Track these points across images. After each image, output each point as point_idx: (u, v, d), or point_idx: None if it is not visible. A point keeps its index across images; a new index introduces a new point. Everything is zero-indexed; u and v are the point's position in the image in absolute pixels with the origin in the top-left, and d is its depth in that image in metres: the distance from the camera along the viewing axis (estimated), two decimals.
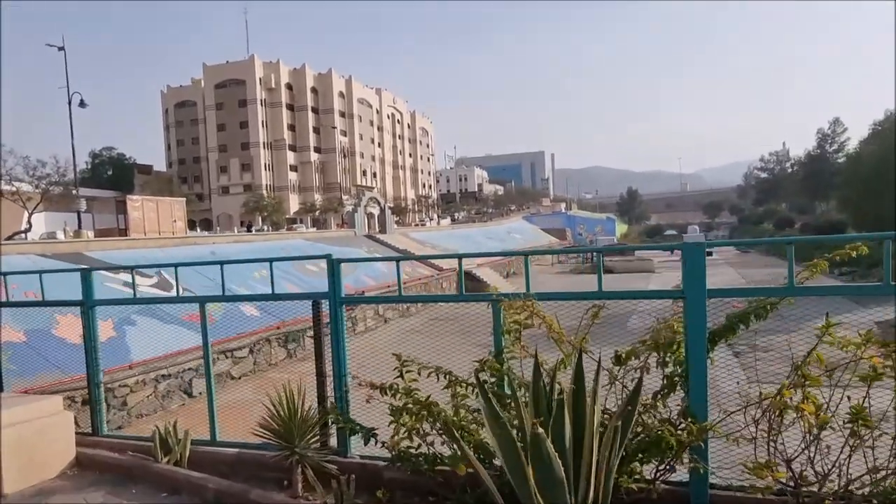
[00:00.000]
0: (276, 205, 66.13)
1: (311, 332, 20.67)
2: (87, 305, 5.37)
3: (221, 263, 5.83)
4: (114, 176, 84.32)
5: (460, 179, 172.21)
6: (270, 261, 5.54)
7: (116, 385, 16.92)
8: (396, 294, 4.45)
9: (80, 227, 29.59)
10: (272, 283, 5.31)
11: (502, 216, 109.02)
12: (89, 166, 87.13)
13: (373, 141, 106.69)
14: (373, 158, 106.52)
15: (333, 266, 4.41)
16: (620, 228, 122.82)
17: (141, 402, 17.72)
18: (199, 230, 66.53)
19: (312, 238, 41.25)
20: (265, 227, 64.12)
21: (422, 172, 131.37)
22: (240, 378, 21.00)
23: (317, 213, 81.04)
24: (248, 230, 57.61)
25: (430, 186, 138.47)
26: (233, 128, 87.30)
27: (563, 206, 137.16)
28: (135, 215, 28.31)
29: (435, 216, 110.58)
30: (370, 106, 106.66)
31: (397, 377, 3.39)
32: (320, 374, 4.31)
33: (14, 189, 29.28)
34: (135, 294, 5.62)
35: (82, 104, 29.92)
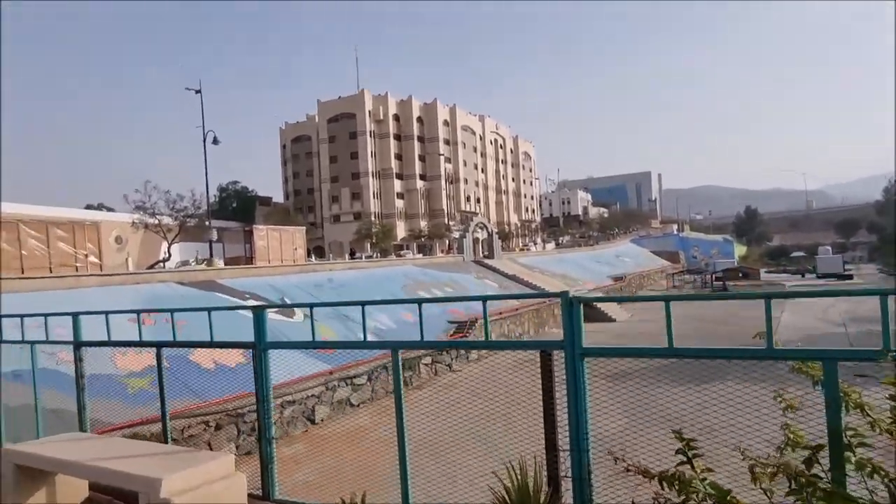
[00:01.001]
0: (387, 231, 67.83)
1: (426, 360, 20.17)
2: (260, 348, 4.66)
3: (363, 304, 5.39)
4: (238, 208, 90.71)
5: (563, 203, 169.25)
6: (419, 301, 5.04)
7: (246, 410, 17.45)
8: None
9: (211, 255, 31.57)
10: (421, 321, 4.77)
11: (608, 239, 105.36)
12: (217, 199, 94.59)
13: (476, 167, 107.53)
14: (476, 184, 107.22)
15: (572, 305, 3.56)
16: (739, 250, 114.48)
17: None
18: (313, 257, 69.72)
19: (422, 264, 41.56)
20: (374, 254, 65.91)
21: (525, 196, 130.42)
22: (359, 405, 21.05)
23: (422, 239, 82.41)
24: (352, 257, 59.38)
25: (534, 210, 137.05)
26: (344, 159, 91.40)
27: (674, 227, 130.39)
28: (260, 244, 29.80)
29: (539, 240, 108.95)
30: (473, 132, 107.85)
31: (681, 463, 2.44)
32: (552, 446, 3.34)
33: (157, 222, 31.92)
34: (314, 337, 5.17)
35: (215, 141, 32.23)
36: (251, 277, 27.65)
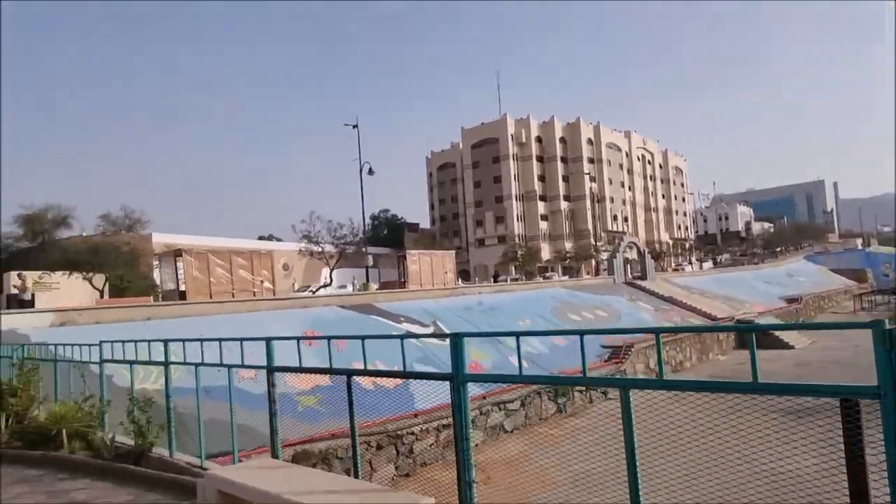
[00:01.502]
0: (533, 254, 67.27)
1: (579, 386, 18.93)
2: (458, 380, 4.08)
3: (517, 335, 4.97)
4: (388, 234, 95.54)
5: (720, 219, 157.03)
6: (581, 333, 4.56)
7: (405, 432, 17.81)
8: None
9: (367, 280, 33.26)
10: (583, 354, 4.26)
11: (775, 257, 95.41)
12: (370, 227, 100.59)
13: (623, 184, 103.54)
14: (623, 202, 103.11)
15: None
16: None
17: (424, 450, 18.36)
18: (459, 281, 71.13)
19: (570, 286, 40.42)
20: (519, 277, 65.52)
21: (676, 213, 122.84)
22: (512, 431, 20.67)
23: (567, 260, 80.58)
24: (495, 280, 59.34)
25: (686, 228, 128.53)
26: (487, 183, 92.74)
27: (857, 241, 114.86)
28: (412, 268, 30.86)
29: (693, 259, 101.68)
30: (619, 149, 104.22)
31: None
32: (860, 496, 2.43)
33: (321, 249, 34.45)
34: (521, 372, 4.71)
35: (370, 172, 34.24)
36: (405, 301, 28.62)
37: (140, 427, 5.81)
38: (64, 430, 6.54)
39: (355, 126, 35.18)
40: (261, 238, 75.50)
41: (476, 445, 20.71)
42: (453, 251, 39.65)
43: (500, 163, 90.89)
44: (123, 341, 7.03)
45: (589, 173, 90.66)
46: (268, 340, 5.11)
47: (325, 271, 58.43)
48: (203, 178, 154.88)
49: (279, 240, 68.64)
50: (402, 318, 26.70)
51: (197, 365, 5.79)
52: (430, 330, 26.12)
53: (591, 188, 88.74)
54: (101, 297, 31.48)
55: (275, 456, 4.82)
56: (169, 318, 20.23)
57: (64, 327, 18.11)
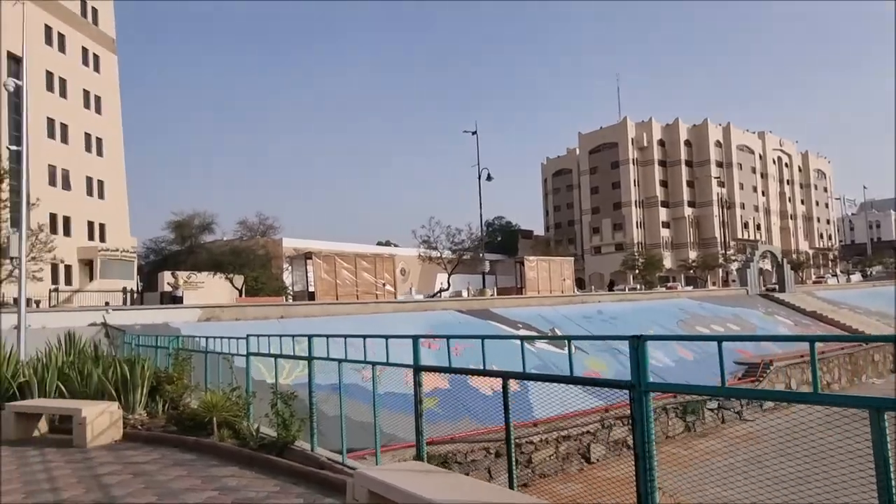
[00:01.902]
0: (654, 262, 63.97)
1: (711, 405, 17.37)
2: (640, 389, 3.40)
3: (718, 339, 4.42)
4: (502, 241, 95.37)
5: (871, 227, 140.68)
6: (720, 339, 3.92)
7: (524, 441, 17.40)
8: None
9: (484, 286, 33.20)
10: (721, 364, 3.66)
11: None
12: (483, 233, 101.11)
13: (755, 189, 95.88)
14: (756, 208, 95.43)
15: None
16: None
17: (543, 461, 17.82)
18: (574, 289, 69.24)
19: (699, 297, 37.83)
20: (638, 286, 62.55)
21: (818, 221, 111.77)
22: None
23: (692, 270, 75.85)
24: (610, 289, 56.94)
25: (830, 237, 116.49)
26: (605, 189, 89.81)
27: None
28: (530, 275, 30.39)
29: (838, 271, 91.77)
30: (752, 152, 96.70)
31: None
32: None
33: (440, 254, 34.95)
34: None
35: (489, 178, 34.27)
36: (522, 307, 28.21)
37: (284, 420, 5.95)
38: (214, 419, 6.90)
39: (474, 132, 35.39)
40: (379, 244, 78.31)
41: (598, 460, 19.77)
42: (572, 258, 38.62)
43: (620, 168, 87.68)
44: (269, 335, 7.32)
45: (718, 177, 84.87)
46: (415, 339, 5.01)
47: (441, 276, 59.36)
48: (325, 184, 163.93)
49: (395, 245, 70.74)
50: (519, 325, 26.31)
51: (340, 361, 5.84)
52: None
53: (718, 193, 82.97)
54: (240, 295, 34.08)
55: (419, 458, 4.68)
56: (300, 318, 21.33)
57: (209, 322, 19.66)
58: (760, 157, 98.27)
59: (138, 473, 5.74)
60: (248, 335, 7.60)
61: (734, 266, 74.51)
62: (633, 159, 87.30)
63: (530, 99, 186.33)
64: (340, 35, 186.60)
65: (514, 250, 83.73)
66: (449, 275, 33.85)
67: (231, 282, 36.74)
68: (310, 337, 6.08)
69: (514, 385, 19.16)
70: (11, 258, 14.66)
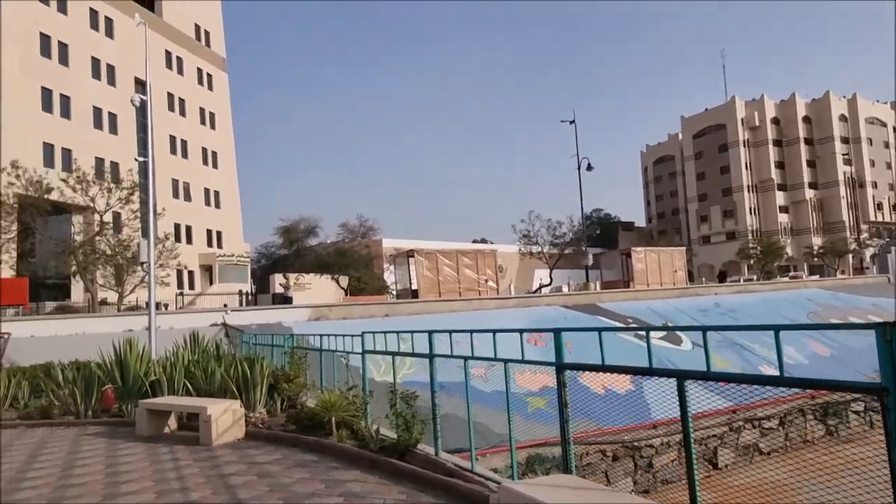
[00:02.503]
0: (774, 250, 59.07)
1: (857, 406, 15.38)
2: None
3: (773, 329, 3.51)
4: (601, 234, 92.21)
5: None
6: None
7: (643, 444, 16.34)
8: None
9: (587, 280, 31.93)
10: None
11: None
12: (570, 229, 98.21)
13: (889, 166, 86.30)
14: (891, 187, 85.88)
15: None
16: None
17: (665, 465, 16.66)
18: (686, 281, 65.34)
19: (830, 286, 34.31)
20: (755, 276, 58.02)
21: None
22: (769, 453, 17.88)
23: (816, 258, 69.43)
24: (721, 280, 53.07)
25: None
26: (712, 175, 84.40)
27: None
28: (638, 266, 28.84)
29: None
30: (883, 125, 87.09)
31: None
32: None
33: (540, 249, 34.15)
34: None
35: (589, 168, 32.94)
36: (630, 301, 26.81)
37: (406, 421, 5.63)
38: (333, 418, 6.74)
39: (572, 122, 34.18)
40: (474, 241, 78.19)
41: (726, 466, 18.23)
42: (683, 248, 36.22)
43: (729, 151, 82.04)
44: (384, 332, 7.07)
45: (845, 154, 77.14)
46: (556, 332, 4.48)
47: (539, 272, 58.16)
48: (420, 184, 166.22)
49: (490, 242, 70.23)
50: (629, 319, 24.97)
51: (466, 359, 5.42)
52: (662, 333, 23.99)
53: (846, 172, 75.40)
54: (346, 295, 35.06)
55: (567, 470, 4.14)
56: (404, 315, 21.41)
57: (318, 321, 20.17)
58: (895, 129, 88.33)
59: (262, 475, 5.63)
60: (363, 332, 7.40)
61: (869, 252, 67.44)
62: (744, 141, 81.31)
63: (622, 87, 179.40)
64: (433, 38, 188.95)
65: (613, 243, 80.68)
66: (551, 269, 32.91)
67: (337, 282, 37.90)
68: (430, 333, 5.72)
69: (626, 384, 18.09)
70: (142, 263, 15.66)
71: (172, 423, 8.40)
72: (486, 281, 25.30)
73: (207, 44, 57.29)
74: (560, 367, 4.33)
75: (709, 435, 16.97)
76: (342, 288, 37.96)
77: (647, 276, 28.95)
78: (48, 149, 37.66)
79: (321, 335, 10.30)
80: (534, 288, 35.99)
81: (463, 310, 22.95)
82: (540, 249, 33.80)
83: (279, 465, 6.01)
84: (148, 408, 8.15)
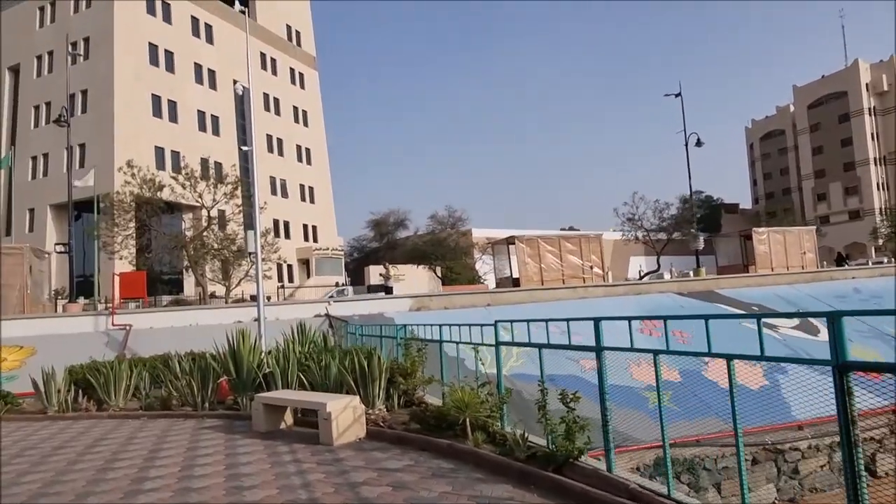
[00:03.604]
0: None
1: None
2: None
3: None
4: (703, 218, 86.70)
5: None
6: None
7: (787, 447, 14.52)
8: None
9: (698, 265, 29.53)
10: None
11: None
12: (681, 210, 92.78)
13: None
14: None
15: None
16: None
17: (813, 472, 14.74)
18: (817, 264, 59.63)
19: None
20: (885, 259, 52.06)
21: None
22: None
23: None
24: (839, 264, 47.77)
25: None
26: (831, 148, 76.96)
27: None
28: (760, 249, 26.21)
29: None
30: None
31: None
32: None
33: (645, 232, 32.00)
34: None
35: (699, 143, 30.37)
36: (752, 287, 24.36)
37: (569, 427, 4.67)
38: (468, 419, 5.92)
39: (678, 95, 31.68)
40: (562, 230, 75.77)
41: (886, 474, 15.81)
42: (813, 227, 32.68)
43: (851, 121, 74.38)
44: (527, 321, 6.14)
45: None
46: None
47: (636, 259, 55.14)
48: (506, 174, 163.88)
49: (577, 230, 67.62)
50: (753, 307, 22.68)
51: (657, 353, 4.38)
52: (794, 322, 21.54)
53: None
54: (443, 284, 34.62)
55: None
56: (506, 305, 20.46)
57: (419, 312, 19.64)
58: None
59: (398, 486, 4.88)
60: (496, 321, 6.51)
61: None
62: (869, 108, 73.41)
63: (720, 61, 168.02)
64: (522, 28, 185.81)
65: (715, 228, 75.57)
66: (658, 255, 30.72)
67: (435, 272, 37.56)
68: (596, 321, 4.71)
69: (758, 378, 15.78)
70: (249, 254, 15.71)
71: (289, 418, 7.94)
72: (592, 267, 23.82)
73: (298, 43, 58.75)
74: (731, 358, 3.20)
75: (866, 438, 14.84)
76: (439, 277, 37.55)
77: (772, 259, 26.22)
78: (159, 152, 39.84)
79: (428, 325, 9.58)
80: (629, 276, 33.93)
81: (568, 298, 21.67)
82: (646, 233, 31.64)
83: (413, 474, 5.25)
84: (264, 402, 7.71)
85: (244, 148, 15.46)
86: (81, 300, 25.24)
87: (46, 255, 20.44)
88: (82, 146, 38.28)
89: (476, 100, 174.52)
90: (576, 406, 4.66)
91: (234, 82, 46.47)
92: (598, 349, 4.61)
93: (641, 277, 30.78)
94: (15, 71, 44.72)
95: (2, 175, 40.22)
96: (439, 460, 5.66)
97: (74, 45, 36.83)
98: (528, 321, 6.48)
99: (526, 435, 5.38)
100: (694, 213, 35.06)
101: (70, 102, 25.35)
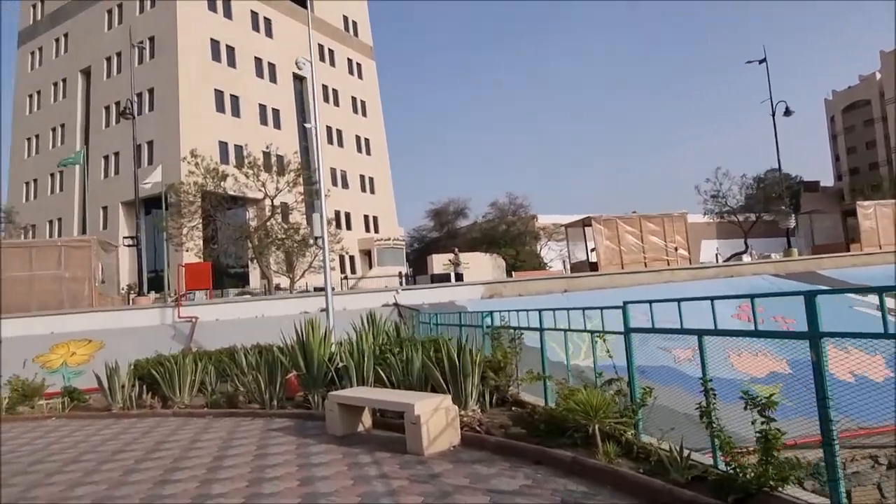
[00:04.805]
0: None
1: None
2: None
3: None
4: (779, 197, 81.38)
5: None
6: None
7: None
8: None
9: (789, 245, 26.98)
10: None
11: None
12: (755, 188, 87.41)
13: None
14: None
15: None
16: None
17: None
18: None
19: None
20: None
21: None
22: None
23: None
24: None
25: None
26: None
27: None
28: (866, 225, 23.54)
29: None
30: None
31: None
32: None
33: (731, 210, 29.60)
34: None
35: (787, 112, 27.70)
36: (860, 267, 21.88)
37: (768, 443, 3.39)
38: (597, 427, 4.69)
39: (762, 61, 29.01)
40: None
41: None
42: None
43: None
44: (677, 299, 4.83)
45: None
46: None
47: (706, 242, 51.89)
48: (566, 160, 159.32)
49: (634, 212, 64.45)
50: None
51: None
52: None
53: None
54: (508, 271, 33.31)
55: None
56: (584, 290, 19.01)
57: (492, 299, 18.47)
58: None
59: None
60: (624, 302, 5.23)
61: None
62: None
63: (795, 32, 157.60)
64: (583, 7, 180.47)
65: (795, 207, 70.55)
66: (745, 234, 28.28)
67: (504, 258, 36.34)
68: (809, 295, 3.39)
69: (881, 368, 13.04)
70: (315, 238, 14.96)
71: (367, 419, 6.92)
72: (676, 249, 21.93)
73: (355, 34, 58.33)
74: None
75: None
76: (508, 263, 36.22)
77: (880, 236, 23.51)
78: (223, 146, 40.17)
79: (514, 311, 8.39)
80: (729, 256, 31.49)
81: (651, 282, 19.99)
82: (731, 211, 29.20)
83: (535, 498, 4.07)
84: (339, 401, 6.71)
85: (306, 125, 14.72)
86: (152, 294, 25.43)
87: (114, 248, 20.47)
88: (150, 143, 39.05)
89: (537, 81, 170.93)
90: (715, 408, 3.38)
91: (293, 77, 46.51)
92: (818, 335, 3.30)
93: (727, 259, 28.43)
94: (87, 73, 46.21)
95: (76, 173, 41.64)
96: (564, 479, 4.46)
97: (140, 45, 37.46)
98: (650, 301, 5.21)
99: (685, 451, 4.10)
100: (783, 189, 32.29)
101: (137, 101, 25.56)
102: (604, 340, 5.45)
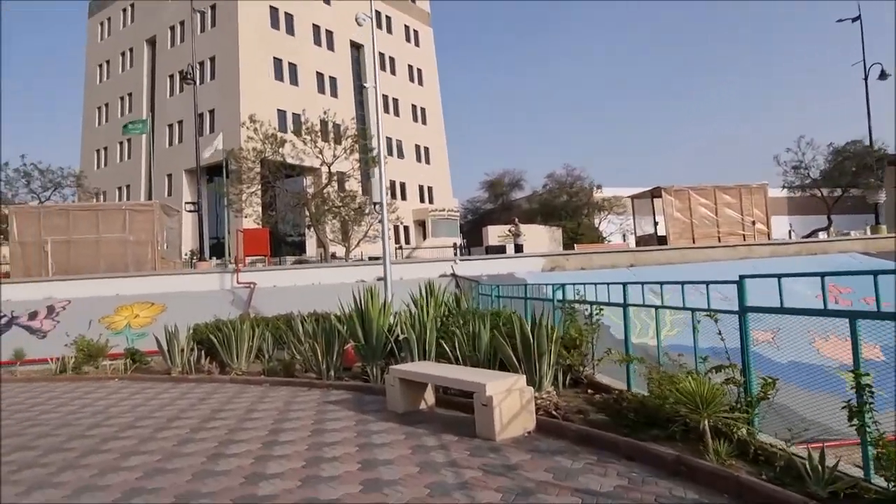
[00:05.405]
0: None
1: None
2: None
3: None
4: (859, 170, 75.95)
5: None
6: None
7: None
8: None
9: (877, 222, 24.90)
10: None
11: None
12: (832, 162, 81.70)
13: None
14: None
15: None
16: None
17: None
18: None
19: None
20: None
21: None
22: None
23: None
24: None
25: None
26: None
27: None
28: None
29: None
30: None
31: None
32: None
33: (813, 181, 27.43)
34: None
35: (882, 76, 25.23)
36: None
37: None
38: (706, 422, 4.00)
39: (856, 19, 26.49)
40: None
41: None
42: None
43: None
44: (820, 273, 4.05)
45: None
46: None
47: (777, 220, 48.93)
48: (626, 131, 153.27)
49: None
50: None
51: None
52: None
53: None
54: (565, 245, 32.27)
55: None
56: (652, 265, 17.95)
57: (553, 272, 17.68)
58: None
59: None
60: (739, 276, 4.47)
61: None
62: None
63: None
64: None
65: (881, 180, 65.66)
66: (829, 209, 26.18)
67: (566, 231, 35.26)
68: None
69: None
70: (374, 204, 14.51)
71: (430, 397, 6.43)
72: (754, 223, 20.43)
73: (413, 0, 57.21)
74: None
75: None
76: (570, 235, 35.08)
77: None
78: (281, 114, 40.28)
79: (588, 284, 7.67)
80: (815, 230, 29.46)
81: (726, 258, 18.71)
82: (814, 184, 27.03)
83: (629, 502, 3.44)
84: (401, 377, 6.23)
85: (365, 85, 14.16)
86: (214, 260, 25.85)
87: (177, 213, 20.73)
88: (211, 112, 39.57)
89: (595, 51, 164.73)
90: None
91: (351, 44, 46.00)
92: None
93: (807, 236, 26.47)
94: (152, 43, 47.12)
95: (143, 141, 42.80)
96: (666, 481, 3.80)
97: (202, 11, 37.70)
98: (778, 277, 4.40)
99: (824, 457, 3.37)
100: (874, 161, 29.75)
101: (199, 70, 25.66)
102: (716, 321, 4.70)
